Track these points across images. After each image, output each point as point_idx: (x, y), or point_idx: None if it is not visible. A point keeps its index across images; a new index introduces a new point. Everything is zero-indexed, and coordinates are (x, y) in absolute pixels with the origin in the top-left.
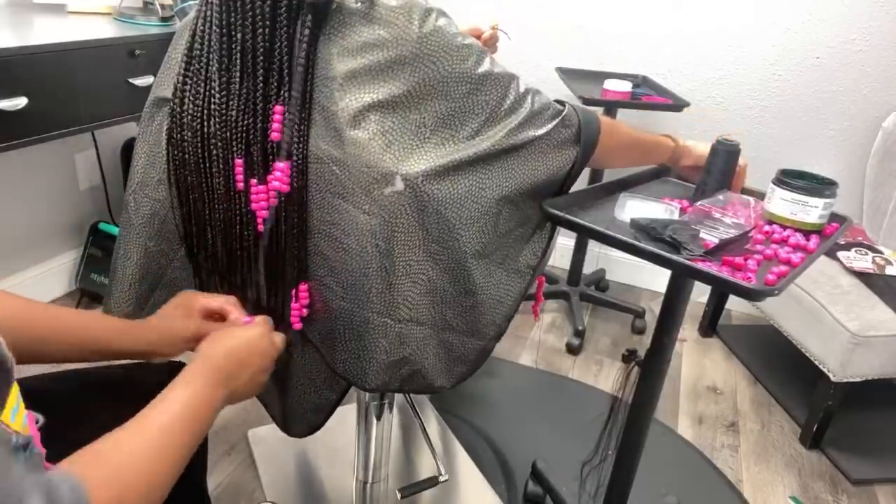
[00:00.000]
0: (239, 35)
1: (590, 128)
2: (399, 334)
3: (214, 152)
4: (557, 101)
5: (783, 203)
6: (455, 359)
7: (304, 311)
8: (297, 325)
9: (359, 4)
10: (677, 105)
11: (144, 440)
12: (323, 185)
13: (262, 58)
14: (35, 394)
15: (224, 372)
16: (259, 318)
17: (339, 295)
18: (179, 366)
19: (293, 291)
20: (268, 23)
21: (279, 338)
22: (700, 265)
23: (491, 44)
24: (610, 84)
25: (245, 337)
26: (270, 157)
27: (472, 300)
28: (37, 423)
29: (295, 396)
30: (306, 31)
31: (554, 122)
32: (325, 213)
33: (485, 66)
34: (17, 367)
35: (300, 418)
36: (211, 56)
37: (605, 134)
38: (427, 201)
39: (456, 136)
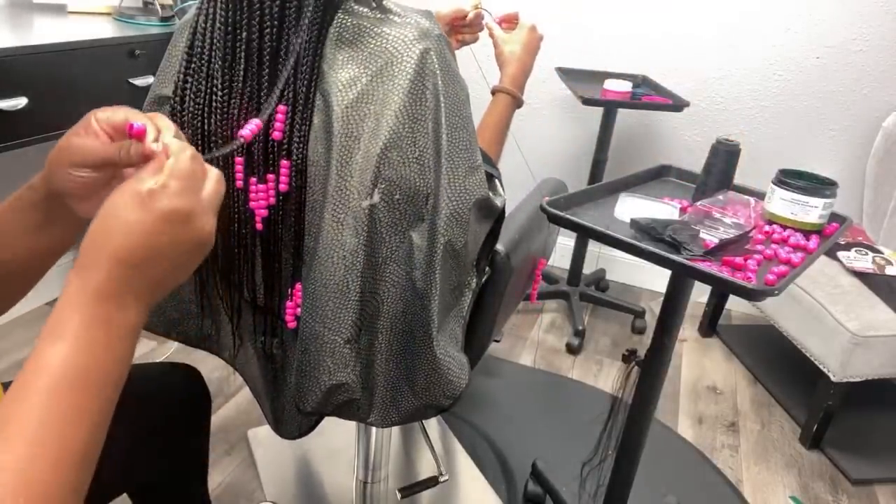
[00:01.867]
0: (244, 34)
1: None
2: (344, 356)
3: (214, 150)
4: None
5: (783, 203)
6: (392, 403)
7: (299, 309)
8: (293, 324)
9: (367, 11)
10: (677, 105)
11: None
12: (317, 187)
13: (268, 57)
14: None
15: (125, 264)
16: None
17: (303, 304)
18: (184, 367)
19: (289, 290)
20: (276, 22)
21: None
22: (700, 265)
23: (476, 23)
24: (610, 84)
25: (134, 190)
26: (271, 156)
27: (415, 347)
28: None
29: (288, 398)
30: (314, 33)
31: (499, 189)
32: (315, 217)
33: (470, 109)
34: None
35: (291, 419)
36: (213, 54)
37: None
38: (399, 220)
39: (442, 164)
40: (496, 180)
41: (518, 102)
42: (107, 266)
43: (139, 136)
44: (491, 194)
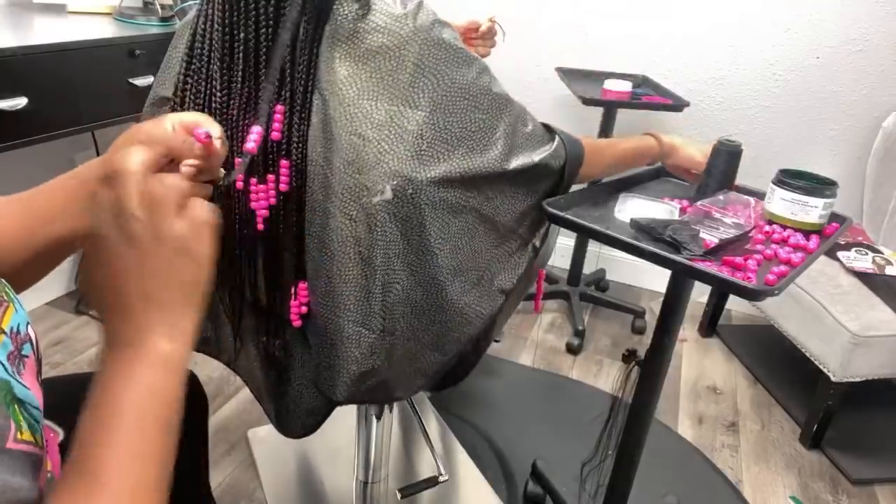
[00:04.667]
0: (242, 34)
1: (575, 160)
2: (371, 345)
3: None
4: (546, 126)
5: (783, 203)
6: (416, 371)
7: (304, 308)
8: (297, 322)
9: (361, 7)
10: (677, 105)
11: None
12: (316, 187)
13: (264, 57)
14: (50, 403)
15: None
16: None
17: (318, 301)
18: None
19: (292, 290)
20: (271, 22)
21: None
22: (700, 265)
23: (489, 37)
24: (610, 84)
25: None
26: (270, 156)
27: (442, 316)
28: (57, 435)
29: (292, 397)
30: (309, 32)
31: (545, 153)
32: (316, 216)
33: (485, 82)
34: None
35: (296, 419)
36: (213, 55)
37: (588, 163)
38: (412, 213)
39: (451, 153)
40: (556, 135)
41: (659, 152)
42: (113, 311)
43: (205, 142)
44: (537, 156)
